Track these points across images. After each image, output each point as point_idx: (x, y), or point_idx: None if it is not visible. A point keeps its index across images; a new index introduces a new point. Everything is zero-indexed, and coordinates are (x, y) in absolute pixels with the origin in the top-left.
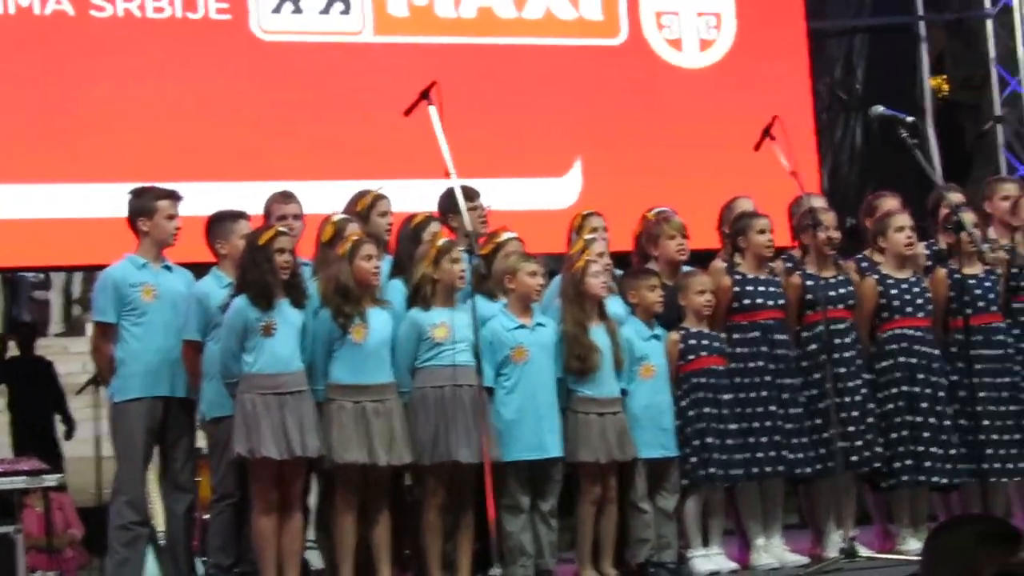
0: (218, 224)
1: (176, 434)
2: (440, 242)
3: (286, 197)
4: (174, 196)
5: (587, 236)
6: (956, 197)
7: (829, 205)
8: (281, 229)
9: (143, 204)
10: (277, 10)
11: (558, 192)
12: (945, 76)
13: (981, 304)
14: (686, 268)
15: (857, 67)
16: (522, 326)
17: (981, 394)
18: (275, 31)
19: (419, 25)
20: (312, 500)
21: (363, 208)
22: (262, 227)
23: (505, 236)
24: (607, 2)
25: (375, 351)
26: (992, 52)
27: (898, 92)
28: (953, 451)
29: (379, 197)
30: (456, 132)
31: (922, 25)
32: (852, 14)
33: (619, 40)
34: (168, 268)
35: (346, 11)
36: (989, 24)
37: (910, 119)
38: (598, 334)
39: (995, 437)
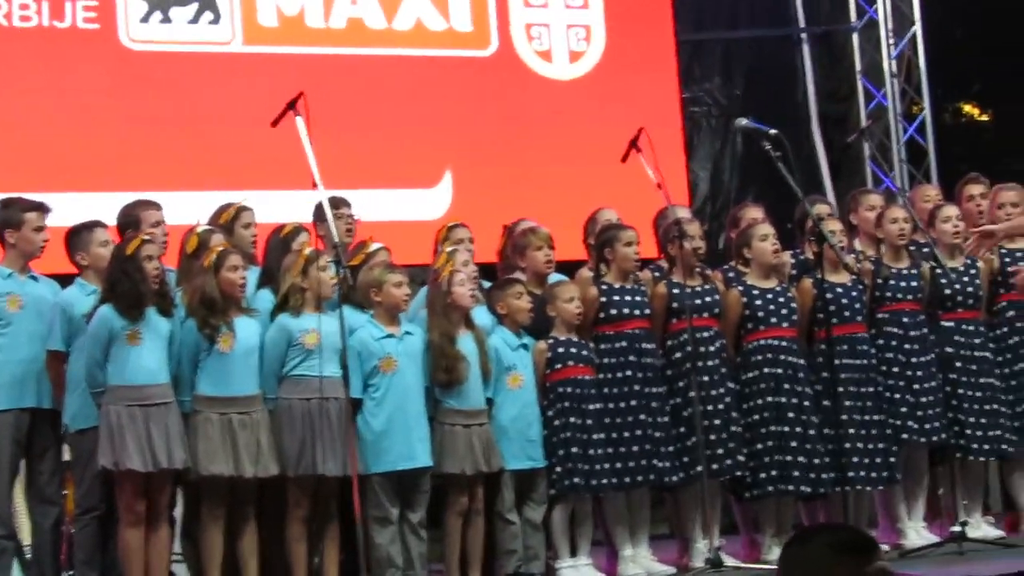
0: (76, 236)
1: (42, 446)
2: (307, 251)
3: (153, 204)
4: (42, 208)
5: (450, 248)
6: (821, 208)
7: (696, 215)
8: (146, 237)
9: (10, 216)
10: (145, 19)
11: (428, 203)
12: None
13: (847, 314)
14: (553, 278)
15: (736, 74)
16: (390, 336)
17: (846, 403)
18: (144, 40)
19: (289, 35)
20: (178, 512)
21: (227, 220)
22: (127, 236)
23: (373, 247)
24: (477, 14)
25: (242, 360)
26: (858, 65)
27: (779, 100)
28: (817, 460)
29: (242, 209)
30: (326, 143)
31: (806, 33)
32: (729, 24)
33: (489, 51)
34: (34, 278)
35: (215, 21)
36: (855, 37)
37: (773, 131)
38: (465, 344)
39: (859, 446)
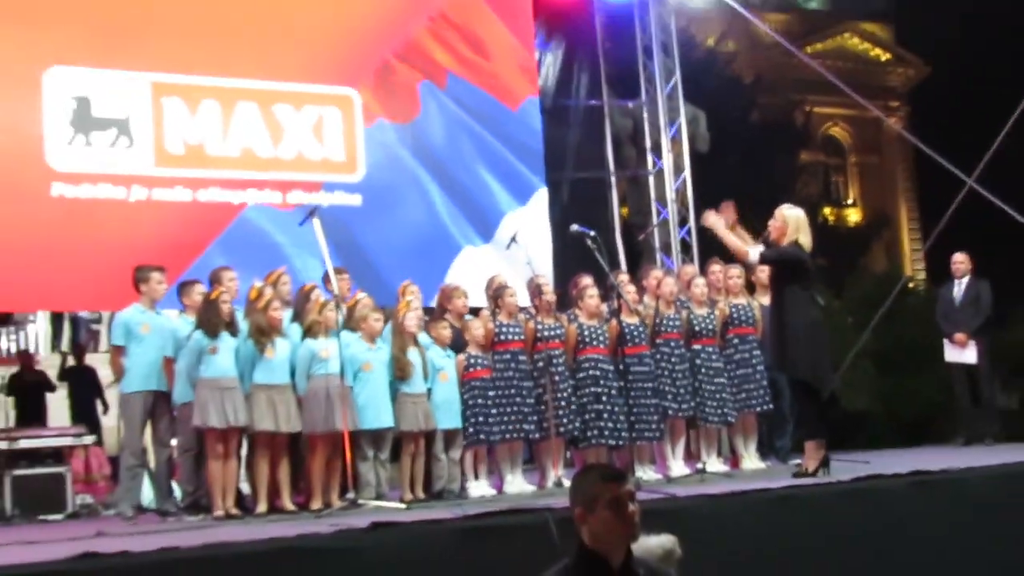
0: (183, 288)
1: (160, 413)
2: (322, 300)
3: (229, 268)
4: (162, 270)
5: (409, 296)
6: (621, 277)
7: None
8: (223, 289)
9: (141, 275)
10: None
11: None
12: (627, 208)
13: (637, 340)
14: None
15: (574, 203)
16: (369, 349)
17: (637, 394)
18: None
19: None
20: (243, 452)
21: (273, 280)
22: (213, 289)
23: (360, 296)
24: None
25: (280, 363)
26: (652, 194)
27: (600, 219)
28: (620, 426)
29: (282, 274)
30: None
31: (613, 178)
32: (570, 167)
33: None
34: (157, 312)
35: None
36: (651, 178)
37: (592, 233)
38: (413, 355)
39: (644, 417)
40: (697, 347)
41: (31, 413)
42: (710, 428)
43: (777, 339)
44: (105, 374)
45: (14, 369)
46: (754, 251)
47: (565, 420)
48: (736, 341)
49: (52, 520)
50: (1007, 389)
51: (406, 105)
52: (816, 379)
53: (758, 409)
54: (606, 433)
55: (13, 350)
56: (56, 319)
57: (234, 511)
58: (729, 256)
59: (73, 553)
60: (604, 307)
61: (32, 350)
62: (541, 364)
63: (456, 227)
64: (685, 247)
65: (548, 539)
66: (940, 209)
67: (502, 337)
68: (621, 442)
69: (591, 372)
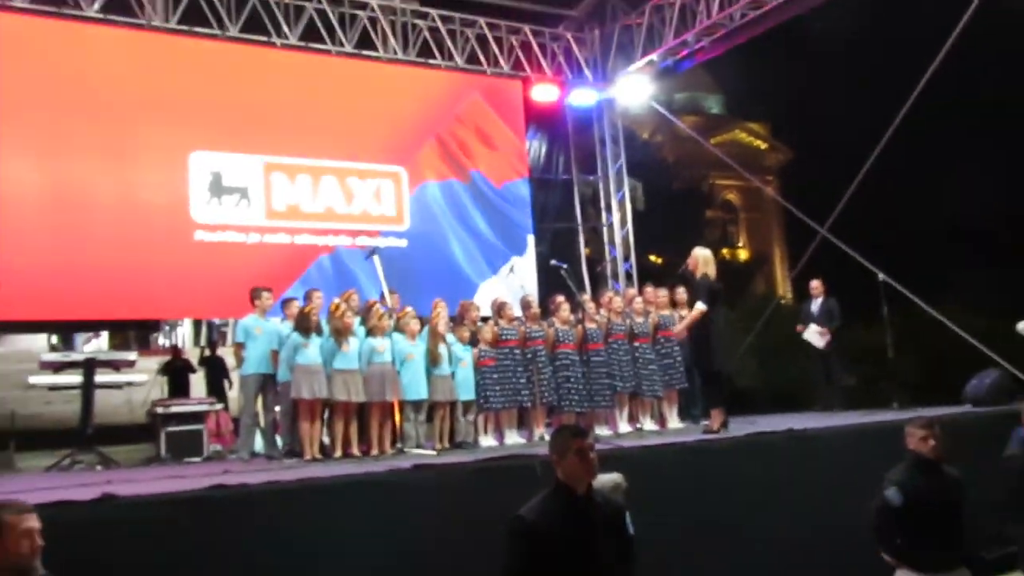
0: (284, 303)
1: (267, 389)
2: (381, 311)
3: (315, 291)
4: (270, 290)
5: (440, 308)
6: (584, 296)
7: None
8: (312, 306)
9: (255, 294)
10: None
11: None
12: (589, 249)
13: (595, 339)
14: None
15: (553, 245)
16: (410, 344)
17: (597, 377)
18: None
19: None
20: (325, 415)
21: (345, 298)
22: (305, 303)
23: (408, 310)
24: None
25: (353, 354)
26: (605, 239)
27: (571, 256)
28: (582, 398)
29: (354, 291)
30: None
31: (580, 228)
32: (550, 220)
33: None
34: (265, 319)
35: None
36: (605, 228)
37: (565, 265)
38: (443, 349)
39: (601, 391)
40: (637, 344)
41: (179, 388)
42: (646, 400)
43: (695, 340)
44: (230, 362)
45: (167, 358)
46: (698, 306)
47: (546, 394)
48: (662, 340)
49: (192, 461)
50: (849, 372)
51: (452, 172)
52: (721, 366)
53: (677, 387)
54: (574, 403)
55: (167, 344)
56: (196, 323)
57: (318, 456)
58: (658, 281)
59: (208, 484)
60: (573, 317)
61: (180, 345)
62: (530, 356)
63: (470, 261)
64: (628, 276)
65: (534, 476)
66: (802, 249)
67: (503, 337)
68: (584, 409)
69: (563, 361)
